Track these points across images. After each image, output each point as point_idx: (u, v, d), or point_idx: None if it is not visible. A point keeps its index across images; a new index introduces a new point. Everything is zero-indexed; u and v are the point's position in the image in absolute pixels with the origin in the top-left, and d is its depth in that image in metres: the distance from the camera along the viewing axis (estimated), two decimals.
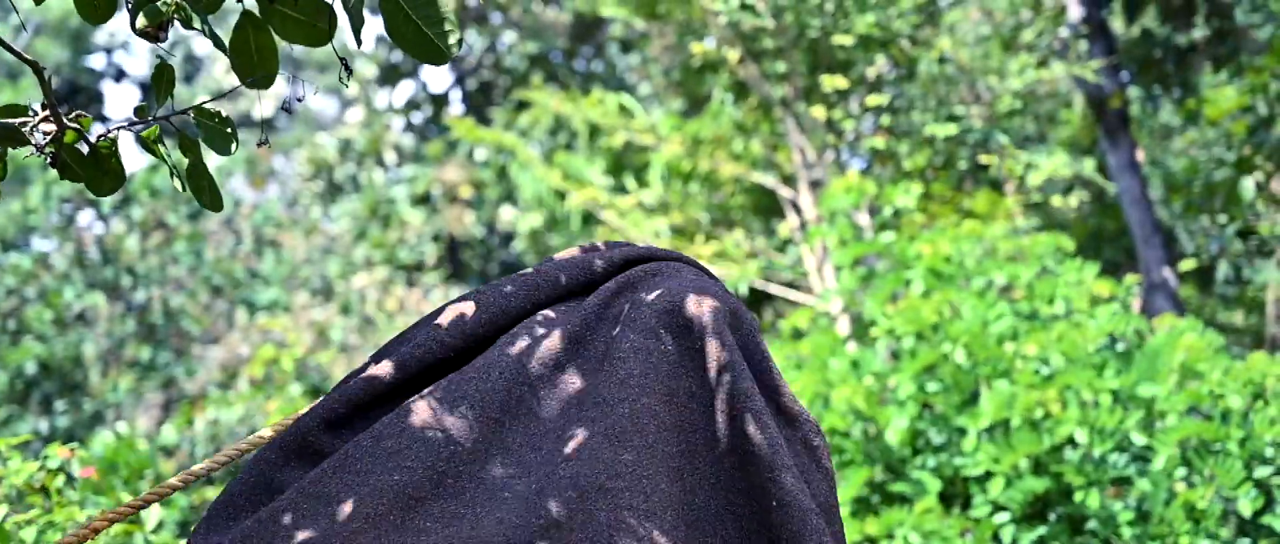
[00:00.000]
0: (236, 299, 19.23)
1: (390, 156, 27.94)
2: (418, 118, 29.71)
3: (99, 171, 2.18)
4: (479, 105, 28.57)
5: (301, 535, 2.38)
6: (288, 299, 19.39)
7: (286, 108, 2.13)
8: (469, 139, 17.99)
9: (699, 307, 2.59)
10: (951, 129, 12.63)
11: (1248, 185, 14.44)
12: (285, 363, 14.69)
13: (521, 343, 2.60)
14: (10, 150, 2.18)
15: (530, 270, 2.81)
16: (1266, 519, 6.75)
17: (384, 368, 2.61)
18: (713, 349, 2.54)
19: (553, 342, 2.60)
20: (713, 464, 2.50)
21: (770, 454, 2.43)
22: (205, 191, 2.17)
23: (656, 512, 2.40)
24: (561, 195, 16.83)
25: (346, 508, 2.38)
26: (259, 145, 2.18)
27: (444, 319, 2.68)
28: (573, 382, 2.56)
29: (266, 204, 21.16)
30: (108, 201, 18.66)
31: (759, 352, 2.62)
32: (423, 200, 26.45)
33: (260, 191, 27.44)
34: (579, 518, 2.36)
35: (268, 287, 19.58)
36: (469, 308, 2.68)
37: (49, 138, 2.16)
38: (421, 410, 2.51)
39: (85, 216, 19.57)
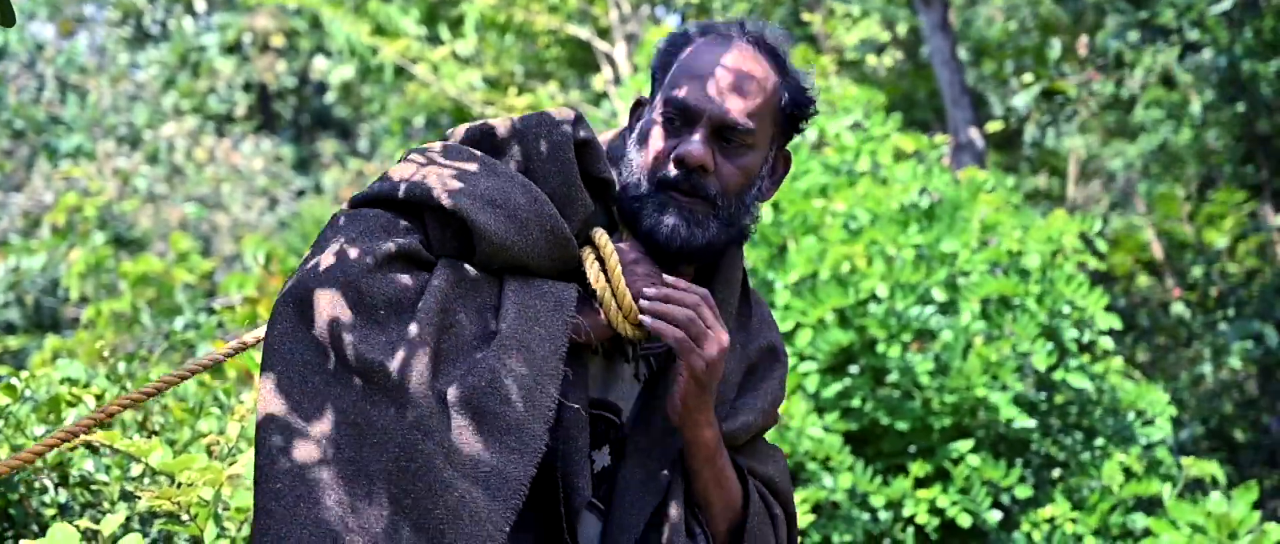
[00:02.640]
0: (39, 145, 18.72)
1: (200, 4, 27.30)
2: None
3: None
4: None
5: None
6: (92, 146, 18.92)
7: None
8: None
9: None
10: None
11: (1054, 45, 14.65)
12: (88, 211, 14.36)
13: None
14: None
15: None
16: (1059, 375, 6.95)
17: None
18: None
19: None
20: None
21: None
22: None
23: None
24: (375, 49, 16.57)
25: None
26: None
27: None
28: None
29: (71, 48, 20.56)
30: None
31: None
32: (233, 49, 25.93)
33: (67, 37, 26.62)
34: None
35: (71, 133, 19.09)
36: None
37: None
38: None
39: None
